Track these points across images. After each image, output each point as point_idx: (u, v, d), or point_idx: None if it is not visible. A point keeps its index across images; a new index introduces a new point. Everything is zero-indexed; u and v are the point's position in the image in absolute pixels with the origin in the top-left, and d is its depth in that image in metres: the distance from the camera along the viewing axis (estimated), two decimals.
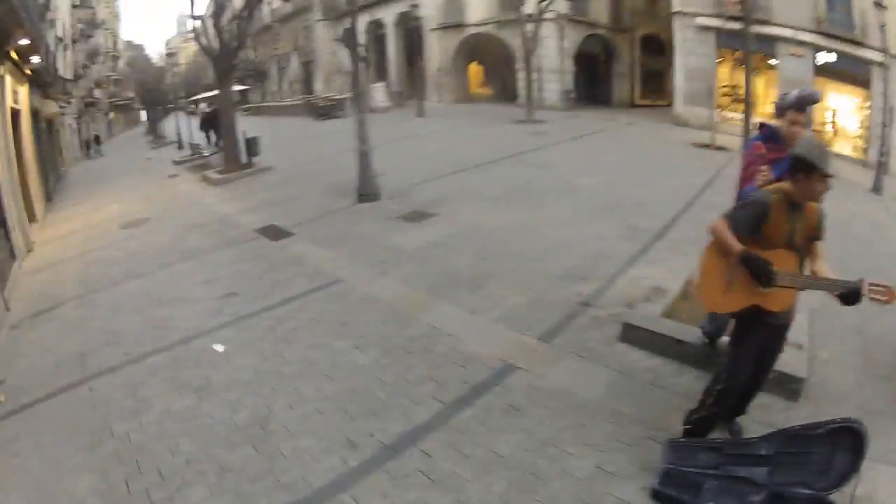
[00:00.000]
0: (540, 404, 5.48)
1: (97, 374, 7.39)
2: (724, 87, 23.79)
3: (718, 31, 22.99)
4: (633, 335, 6.30)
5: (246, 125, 22.39)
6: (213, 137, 25.11)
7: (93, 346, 8.12)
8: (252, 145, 20.57)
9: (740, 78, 23.07)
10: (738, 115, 21.73)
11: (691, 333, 5.91)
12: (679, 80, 24.40)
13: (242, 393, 6.54)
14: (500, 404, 5.56)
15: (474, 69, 39.74)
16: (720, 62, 23.82)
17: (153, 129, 43.52)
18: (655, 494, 4.17)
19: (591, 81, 31.14)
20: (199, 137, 27.06)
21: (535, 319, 7.27)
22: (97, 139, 42.97)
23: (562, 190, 13.15)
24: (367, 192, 14.16)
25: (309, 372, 6.79)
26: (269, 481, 5.18)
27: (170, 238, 13.08)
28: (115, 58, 68.85)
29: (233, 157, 20.24)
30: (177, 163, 24.36)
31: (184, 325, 8.38)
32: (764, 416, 5.07)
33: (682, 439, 4.48)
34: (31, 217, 16.14)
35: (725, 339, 5.47)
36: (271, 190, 16.89)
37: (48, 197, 20.14)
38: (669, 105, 25.20)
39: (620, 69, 32.43)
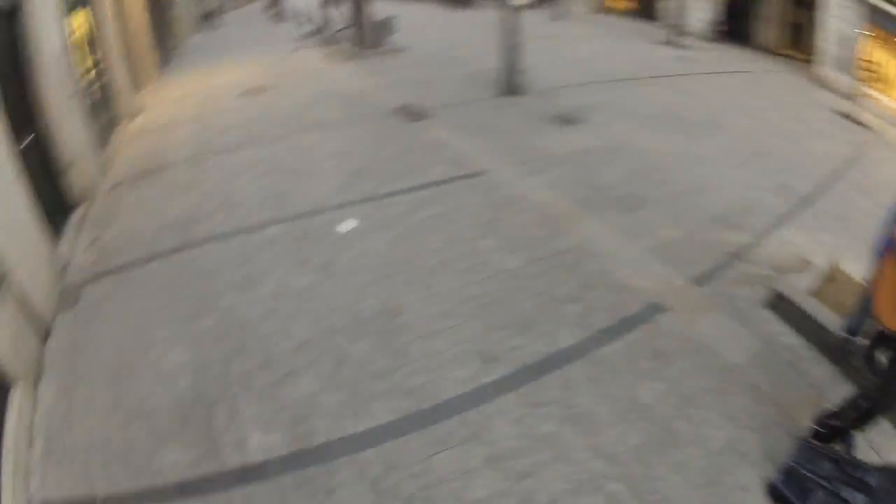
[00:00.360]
0: (686, 356, 5.35)
1: (205, 240, 7.36)
2: (866, 62, 22.23)
3: (873, 9, 21.33)
4: (781, 306, 6.21)
5: (377, 7, 22.05)
6: (341, 14, 24.78)
7: (202, 211, 8.11)
8: (385, 25, 20.16)
9: (882, 57, 21.64)
10: (878, 95, 20.55)
11: (834, 322, 5.74)
12: (826, 42, 22.89)
13: (371, 279, 6.31)
14: (647, 346, 5.45)
15: None
16: (866, 36, 22.15)
17: (274, 3, 43.83)
18: (772, 489, 4.24)
19: (734, 19, 29.37)
20: (325, 14, 26.85)
21: (687, 259, 6.87)
22: (215, 12, 43.77)
23: (710, 124, 12.32)
24: (510, 87, 13.70)
25: (448, 267, 6.51)
26: (391, 382, 5.00)
27: (294, 108, 13.04)
28: None
29: (364, 35, 19.91)
30: (301, 38, 24.25)
31: (308, 198, 8.24)
32: (874, 436, 4.65)
33: (814, 442, 4.48)
34: (143, 81, 16.37)
35: (860, 340, 5.11)
36: (406, 71, 16.56)
37: (162, 63, 20.44)
38: (807, 61, 23.74)
39: (766, 13, 30.44)
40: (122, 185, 9.55)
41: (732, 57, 22.03)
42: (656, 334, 5.56)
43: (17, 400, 4.94)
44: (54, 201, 7.89)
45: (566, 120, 11.74)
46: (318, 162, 9.63)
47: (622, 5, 36.49)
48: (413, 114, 12.04)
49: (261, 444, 4.58)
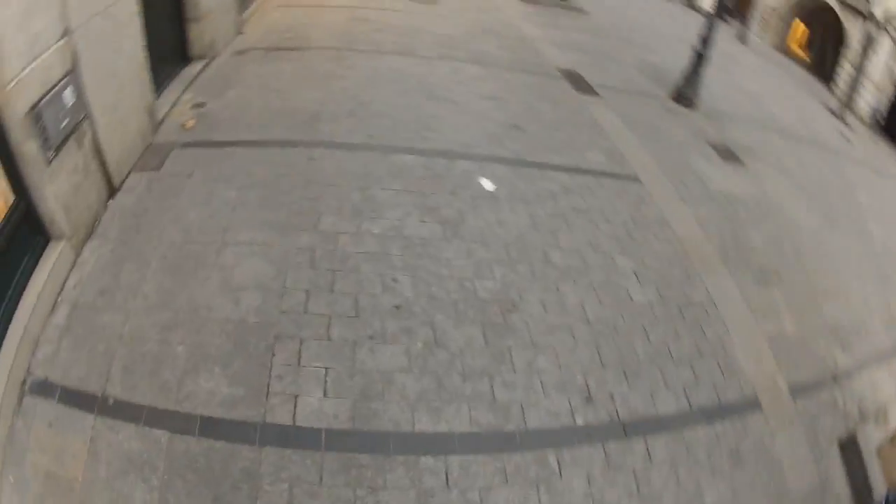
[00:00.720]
0: (758, 467, 5.29)
1: (326, 143, 6.82)
2: None
3: None
4: (849, 452, 6.28)
5: None
6: None
7: (330, 110, 7.57)
8: None
9: None
10: None
11: (880, 490, 5.93)
12: None
13: (495, 257, 5.77)
14: (731, 442, 5.35)
15: (798, 25, 37.71)
16: None
17: None
18: None
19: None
20: None
21: (794, 362, 6.64)
22: None
23: (854, 221, 11.74)
24: (686, 96, 12.89)
25: (578, 275, 5.95)
26: (481, 387, 4.57)
27: (459, 32, 12.42)
28: None
29: None
30: None
31: (453, 136, 7.67)
32: None
33: None
34: None
35: None
36: (581, 34, 15.76)
37: None
38: None
39: None
40: (250, 53, 9.14)
41: (888, 155, 21.45)
42: (742, 433, 5.43)
43: (53, 256, 4.52)
44: (171, 50, 7.52)
45: (728, 154, 11.15)
46: (471, 99, 9.03)
47: (800, 52, 35.99)
48: (579, 83, 11.38)
49: (316, 408, 4.14)
